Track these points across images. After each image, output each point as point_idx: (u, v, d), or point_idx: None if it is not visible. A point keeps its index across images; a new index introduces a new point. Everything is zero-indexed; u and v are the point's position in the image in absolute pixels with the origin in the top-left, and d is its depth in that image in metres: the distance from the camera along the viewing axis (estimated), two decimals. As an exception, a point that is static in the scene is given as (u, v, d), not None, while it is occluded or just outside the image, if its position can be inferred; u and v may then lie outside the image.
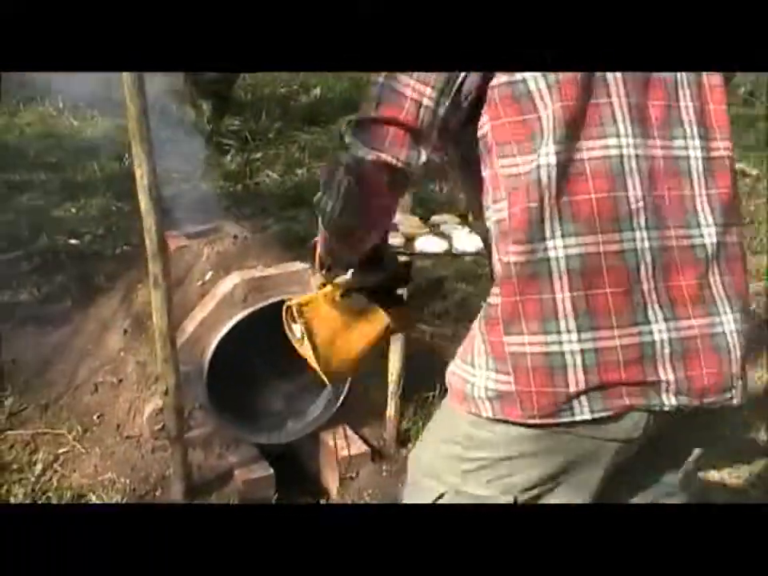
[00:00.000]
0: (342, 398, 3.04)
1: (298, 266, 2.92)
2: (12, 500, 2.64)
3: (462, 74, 1.30)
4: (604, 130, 1.27)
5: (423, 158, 1.32)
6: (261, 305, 2.79)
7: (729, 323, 1.33)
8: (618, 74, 1.28)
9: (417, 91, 1.30)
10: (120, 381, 2.99)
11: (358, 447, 3.02)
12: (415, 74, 1.30)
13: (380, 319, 1.71)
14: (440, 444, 1.46)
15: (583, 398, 1.26)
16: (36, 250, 4.42)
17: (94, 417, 2.96)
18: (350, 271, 1.64)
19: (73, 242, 4.56)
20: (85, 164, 5.59)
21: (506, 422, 1.31)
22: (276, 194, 5.42)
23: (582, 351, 1.25)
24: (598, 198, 1.25)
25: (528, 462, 1.35)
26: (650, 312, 1.28)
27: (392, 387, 3.07)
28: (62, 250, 4.43)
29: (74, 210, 5.02)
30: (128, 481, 2.72)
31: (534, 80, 1.27)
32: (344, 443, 3.00)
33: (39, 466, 2.79)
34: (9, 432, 2.98)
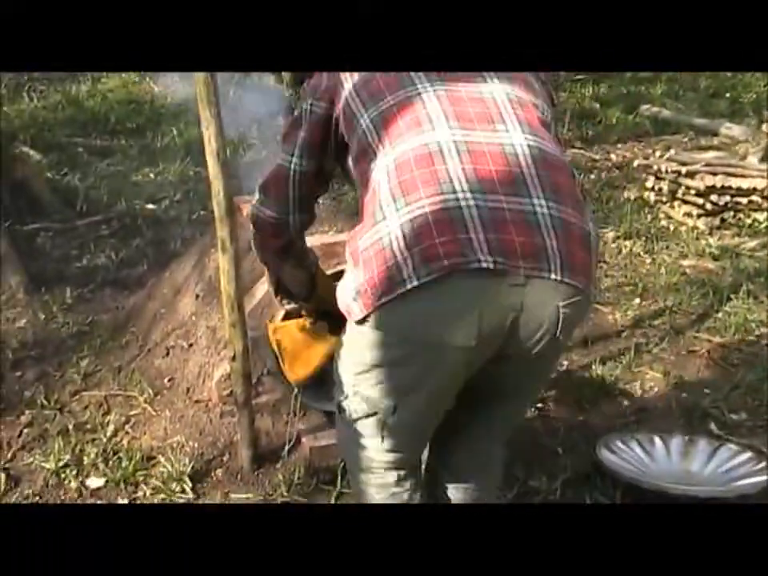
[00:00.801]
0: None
1: None
2: (85, 459, 2.69)
3: (311, 128, 1.77)
4: (402, 85, 1.61)
5: (296, 206, 1.85)
6: (331, 271, 2.76)
7: (542, 207, 1.50)
8: (432, 90, 1.61)
9: (284, 159, 1.81)
10: (191, 345, 3.00)
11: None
12: (284, 146, 1.81)
13: (331, 342, 2.18)
14: (343, 358, 1.73)
15: (409, 267, 1.46)
16: (115, 215, 4.48)
17: (165, 380, 2.98)
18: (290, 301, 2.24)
19: (150, 206, 4.62)
20: (164, 130, 5.65)
21: (365, 320, 1.55)
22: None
23: (401, 226, 1.48)
24: (405, 119, 1.59)
25: (389, 371, 1.60)
26: (456, 185, 1.49)
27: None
28: (139, 215, 4.49)
29: (152, 176, 5.08)
30: (196, 445, 2.73)
31: (363, 118, 1.65)
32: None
33: (111, 427, 2.82)
34: (84, 393, 3.03)
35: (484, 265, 1.45)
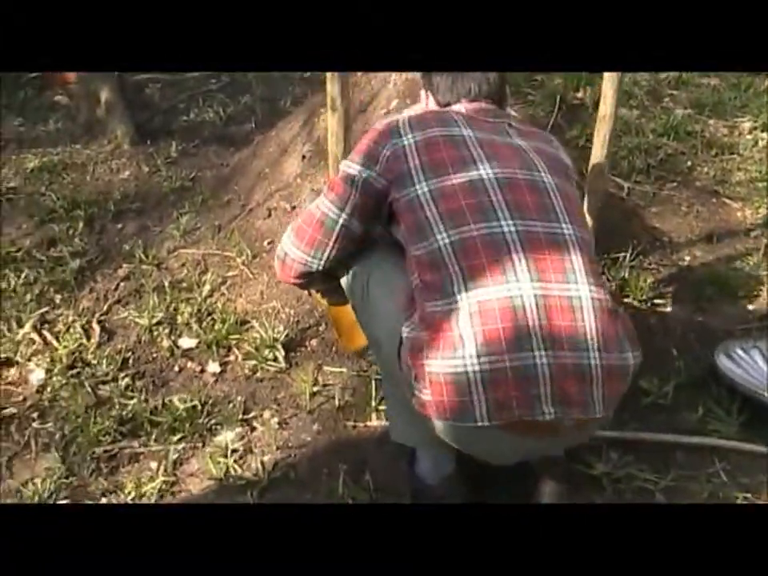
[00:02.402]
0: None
1: None
2: (179, 318, 2.61)
3: (365, 198, 1.81)
4: (485, 217, 1.68)
5: (329, 256, 1.91)
6: None
7: (595, 359, 1.64)
8: (492, 175, 1.71)
9: (331, 210, 1.86)
10: (293, 207, 2.85)
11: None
12: (333, 197, 1.85)
13: None
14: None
15: (483, 410, 1.59)
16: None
17: (265, 243, 2.85)
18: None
19: (262, 62, 4.41)
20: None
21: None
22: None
23: (481, 372, 1.58)
24: (488, 262, 1.64)
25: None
26: (534, 343, 1.60)
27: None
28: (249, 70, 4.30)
29: (266, 30, 4.85)
30: (292, 312, 2.61)
31: (420, 189, 1.72)
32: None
33: (207, 287, 2.72)
34: (182, 250, 2.94)
35: (548, 417, 1.61)
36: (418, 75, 2.72)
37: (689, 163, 3.89)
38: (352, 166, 1.82)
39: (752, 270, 3.07)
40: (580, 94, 4.23)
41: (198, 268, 2.84)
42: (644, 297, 2.78)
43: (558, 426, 1.65)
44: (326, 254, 1.90)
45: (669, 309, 2.80)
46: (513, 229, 1.67)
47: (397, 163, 1.75)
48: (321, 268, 1.93)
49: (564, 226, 1.72)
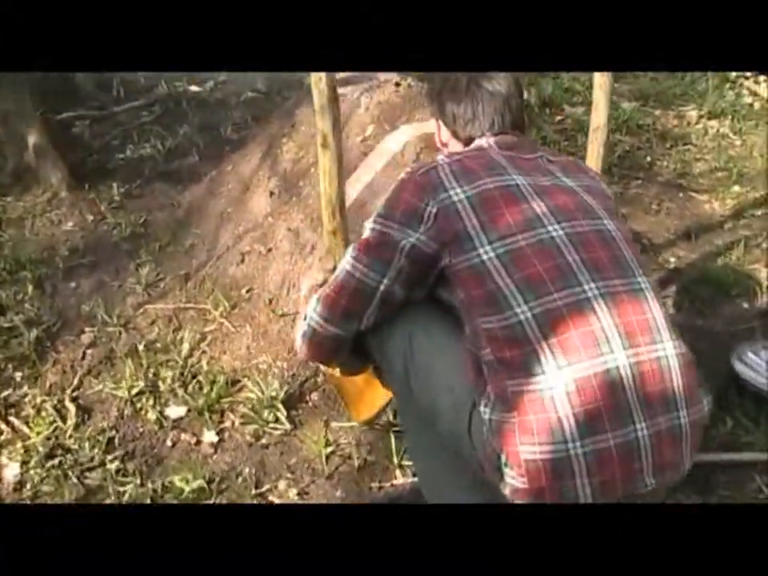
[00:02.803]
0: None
1: None
2: (161, 385, 2.37)
3: (410, 263, 1.61)
4: (567, 282, 1.52)
5: (365, 326, 1.71)
6: None
7: (684, 418, 1.54)
8: (561, 232, 1.56)
9: (367, 275, 1.64)
10: (269, 250, 2.63)
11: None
12: (369, 260, 1.63)
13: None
14: None
15: (587, 493, 1.47)
16: (156, 99, 4.04)
17: (243, 291, 2.63)
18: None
19: (194, 89, 4.16)
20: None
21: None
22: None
23: (585, 454, 1.45)
24: (579, 333, 1.49)
25: None
26: (634, 415, 1.49)
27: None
28: (183, 98, 4.04)
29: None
30: (285, 365, 2.41)
31: (486, 253, 1.54)
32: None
33: (185, 346, 2.49)
34: (148, 306, 2.69)
35: (648, 488, 1.52)
36: (393, 97, 2.56)
37: (648, 158, 3.84)
38: (390, 226, 1.61)
39: (738, 265, 3.01)
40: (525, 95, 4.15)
41: (171, 325, 2.61)
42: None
43: (651, 491, 1.53)
44: (361, 325, 1.70)
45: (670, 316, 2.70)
46: (596, 292, 1.53)
47: (448, 223, 1.56)
48: (353, 335, 1.73)
49: (639, 279, 1.59)
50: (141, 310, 2.68)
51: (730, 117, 4.14)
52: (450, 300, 1.63)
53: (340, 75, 2.69)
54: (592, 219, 1.61)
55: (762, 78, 4.46)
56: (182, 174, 3.45)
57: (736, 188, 3.61)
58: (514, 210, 1.56)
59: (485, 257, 1.53)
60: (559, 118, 4.02)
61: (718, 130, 4.13)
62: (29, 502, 1.94)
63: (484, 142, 1.72)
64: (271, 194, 2.72)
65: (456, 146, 1.80)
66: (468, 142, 1.76)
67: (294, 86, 3.94)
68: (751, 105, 4.33)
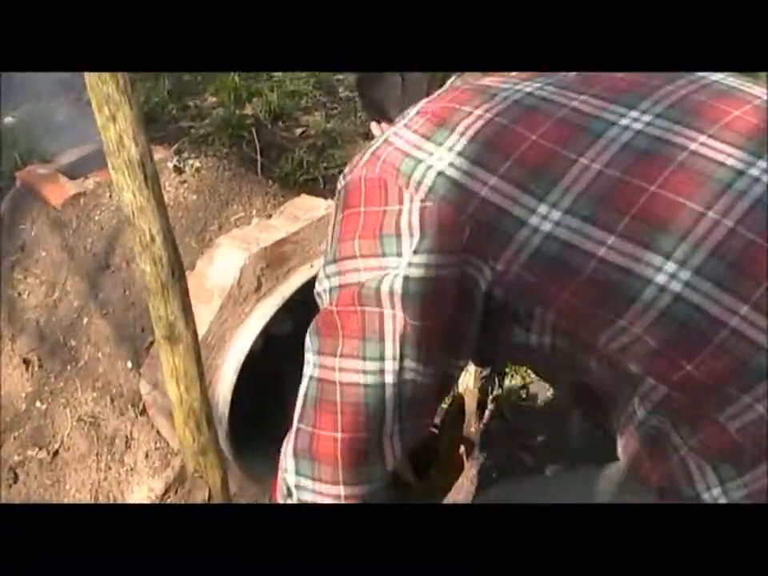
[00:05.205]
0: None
1: (323, 203, 1.91)
2: None
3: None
4: None
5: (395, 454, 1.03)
6: (290, 290, 1.84)
7: None
8: None
9: (354, 370, 0.97)
10: (56, 453, 1.91)
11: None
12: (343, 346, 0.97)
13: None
14: None
15: None
16: None
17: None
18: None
19: None
20: None
21: None
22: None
23: None
24: None
25: None
26: None
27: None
28: None
29: None
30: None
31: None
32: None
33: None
34: None
35: None
36: (187, 193, 1.98)
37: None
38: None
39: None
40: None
41: None
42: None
43: None
44: (386, 461, 1.02)
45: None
46: None
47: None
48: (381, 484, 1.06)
49: None
50: None
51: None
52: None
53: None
54: None
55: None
56: None
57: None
58: None
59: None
60: (299, 130, 3.57)
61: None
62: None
63: None
64: (26, 363, 2.00)
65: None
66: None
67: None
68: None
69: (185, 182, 2.00)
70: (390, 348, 0.95)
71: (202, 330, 1.75)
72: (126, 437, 1.87)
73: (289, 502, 1.08)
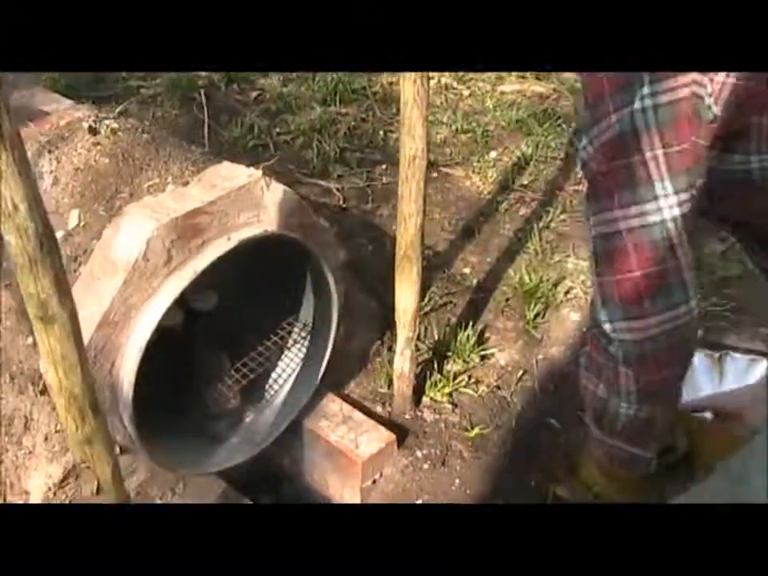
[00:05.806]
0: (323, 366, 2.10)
1: (245, 171, 1.79)
2: None
3: None
4: None
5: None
6: (204, 264, 1.71)
7: None
8: None
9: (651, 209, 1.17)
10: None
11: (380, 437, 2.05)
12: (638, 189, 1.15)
13: None
14: None
15: None
16: None
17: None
18: None
19: None
20: None
21: None
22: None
23: None
24: None
25: None
26: None
27: (405, 332, 2.04)
28: None
29: None
30: None
31: None
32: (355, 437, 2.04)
33: None
34: None
35: None
36: (96, 156, 1.84)
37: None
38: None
39: (548, 268, 2.61)
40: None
41: None
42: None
43: None
44: (688, 288, 1.19)
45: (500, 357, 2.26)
46: None
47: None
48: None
49: None
50: None
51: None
52: None
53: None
54: None
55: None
56: None
57: (493, 154, 3.09)
58: None
59: None
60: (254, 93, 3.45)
61: (438, 80, 3.53)
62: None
63: None
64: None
65: None
66: None
67: None
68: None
69: (98, 143, 1.84)
70: (660, 186, 1.11)
71: (104, 306, 1.63)
72: (26, 417, 1.74)
73: (610, 350, 1.26)
